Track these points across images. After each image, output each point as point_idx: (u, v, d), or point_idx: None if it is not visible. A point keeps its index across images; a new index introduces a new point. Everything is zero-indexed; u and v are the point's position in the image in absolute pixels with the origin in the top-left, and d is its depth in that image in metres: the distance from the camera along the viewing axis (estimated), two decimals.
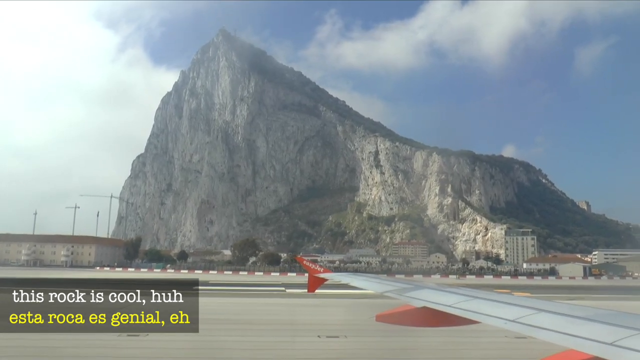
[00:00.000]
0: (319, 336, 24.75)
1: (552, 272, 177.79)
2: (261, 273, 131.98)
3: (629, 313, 5.21)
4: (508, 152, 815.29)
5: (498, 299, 6.81)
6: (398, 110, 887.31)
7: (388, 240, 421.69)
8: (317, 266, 13.59)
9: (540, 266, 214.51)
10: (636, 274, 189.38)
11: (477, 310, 6.26)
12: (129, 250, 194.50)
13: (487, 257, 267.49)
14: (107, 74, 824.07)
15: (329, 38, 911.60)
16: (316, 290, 13.60)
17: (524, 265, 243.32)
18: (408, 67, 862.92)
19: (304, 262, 14.05)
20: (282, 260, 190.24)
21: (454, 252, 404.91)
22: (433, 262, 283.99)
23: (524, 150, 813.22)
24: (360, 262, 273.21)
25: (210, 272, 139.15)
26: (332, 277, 12.47)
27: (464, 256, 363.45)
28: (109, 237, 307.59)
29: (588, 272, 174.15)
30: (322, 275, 12.53)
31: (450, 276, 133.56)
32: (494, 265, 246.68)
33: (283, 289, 61.57)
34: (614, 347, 4.00)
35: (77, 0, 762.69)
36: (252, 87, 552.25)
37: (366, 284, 10.35)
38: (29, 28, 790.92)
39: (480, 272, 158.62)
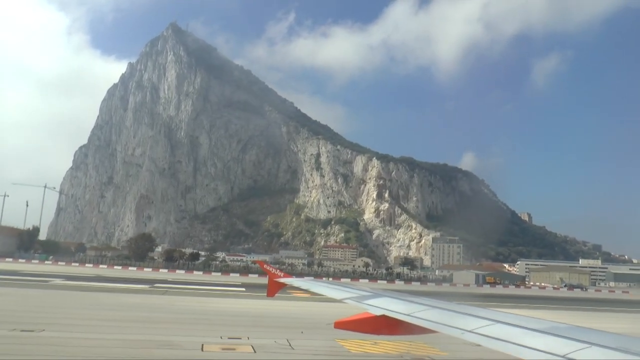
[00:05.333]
0: None
1: (446, 279, 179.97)
2: (119, 267, 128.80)
3: (582, 327, 5.32)
4: (467, 160, 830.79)
5: (456, 309, 6.86)
6: (359, 116, 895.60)
7: (323, 243, 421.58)
8: (278, 271, 13.44)
9: (451, 272, 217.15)
10: (530, 284, 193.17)
11: (434, 320, 6.27)
12: (24, 240, 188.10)
13: (404, 263, 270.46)
14: (55, 60, 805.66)
15: (282, 36, 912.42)
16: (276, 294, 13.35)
17: (436, 272, 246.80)
18: (364, 71, 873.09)
19: (264, 266, 14.00)
20: (184, 257, 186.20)
21: (387, 258, 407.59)
22: (358, 266, 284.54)
23: (483, 159, 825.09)
24: (284, 264, 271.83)
25: (86, 265, 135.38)
26: (292, 282, 12.15)
27: (392, 262, 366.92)
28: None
29: (482, 280, 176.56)
30: (281, 280, 12.35)
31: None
32: (409, 270, 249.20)
33: (48, 280, 59.52)
34: None
35: None
36: (198, 83, 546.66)
37: (325, 290, 10.16)
38: None
39: (363, 276, 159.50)
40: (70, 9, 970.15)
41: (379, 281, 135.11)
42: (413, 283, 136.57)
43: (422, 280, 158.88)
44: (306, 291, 11.47)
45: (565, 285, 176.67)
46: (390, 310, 7.07)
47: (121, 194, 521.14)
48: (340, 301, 8.57)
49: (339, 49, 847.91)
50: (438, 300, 7.63)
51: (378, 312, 7.10)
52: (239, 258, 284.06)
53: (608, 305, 74.04)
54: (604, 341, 4.51)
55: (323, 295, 10.13)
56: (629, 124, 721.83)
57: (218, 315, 32.67)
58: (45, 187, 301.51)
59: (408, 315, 6.71)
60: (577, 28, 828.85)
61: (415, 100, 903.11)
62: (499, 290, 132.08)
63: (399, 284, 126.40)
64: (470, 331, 5.55)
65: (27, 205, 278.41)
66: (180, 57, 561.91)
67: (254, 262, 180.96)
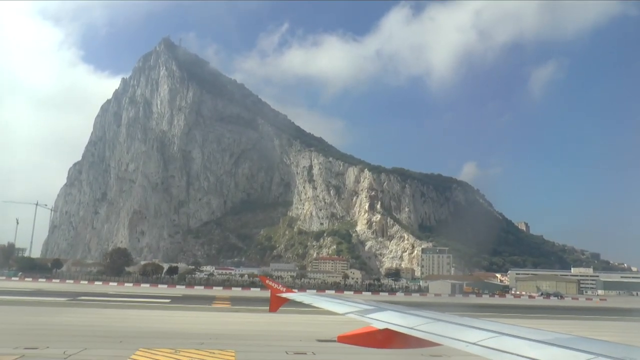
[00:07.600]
0: None
1: (420, 289, 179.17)
2: (85, 282, 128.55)
3: (587, 338, 5.35)
4: (469, 170, 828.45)
5: (460, 322, 6.96)
6: (357, 129, 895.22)
7: (315, 255, 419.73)
8: (280, 286, 13.39)
9: (434, 283, 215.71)
10: (508, 293, 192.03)
11: (438, 333, 6.31)
12: None
13: (388, 274, 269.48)
14: (48, 76, 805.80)
15: (274, 47, 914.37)
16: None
17: (420, 282, 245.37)
18: (358, 81, 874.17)
19: (266, 281, 13.84)
20: (160, 272, 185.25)
21: (380, 269, 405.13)
22: (348, 278, 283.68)
23: (483, 169, 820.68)
24: (273, 277, 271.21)
25: (53, 280, 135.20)
26: (294, 297, 12.22)
27: (383, 273, 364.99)
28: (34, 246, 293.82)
29: (458, 289, 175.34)
30: (284, 295, 12.38)
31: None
32: (393, 281, 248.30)
33: None
34: None
35: None
36: (190, 97, 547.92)
37: (328, 305, 10.22)
38: None
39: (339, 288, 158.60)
40: (63, 23, 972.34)
41: (345, 292, 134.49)
42: (381, 293, 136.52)
43: (391, 291, 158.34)
44: (309, 306, 11.38)
45: (542, 294, 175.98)
46: (393, 324, 7.19)
47: (115, 210, 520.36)
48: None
49: (332, 58, 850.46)
50: (442, 314, 7.79)
51: (381, 326, 7.22)
52: (227, 271, 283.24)
53: (572, 312, 74.22)
54: (609, 352, 4.51)
55: (321, 309, 10.05)
56: (627, 131, 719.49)
57: (70, 326, 32.36)
58: (37, 204, 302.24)
59: (411, 328, 6.76)
60: (572, 36, 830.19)
61: (411, 110, 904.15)
62: (470, 299, 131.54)
63: (365, 295, 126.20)
64: (474, 343, 5.52)
65: (17, 223, 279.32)
66: (172, 71, 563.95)
67: (256, 277, 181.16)
